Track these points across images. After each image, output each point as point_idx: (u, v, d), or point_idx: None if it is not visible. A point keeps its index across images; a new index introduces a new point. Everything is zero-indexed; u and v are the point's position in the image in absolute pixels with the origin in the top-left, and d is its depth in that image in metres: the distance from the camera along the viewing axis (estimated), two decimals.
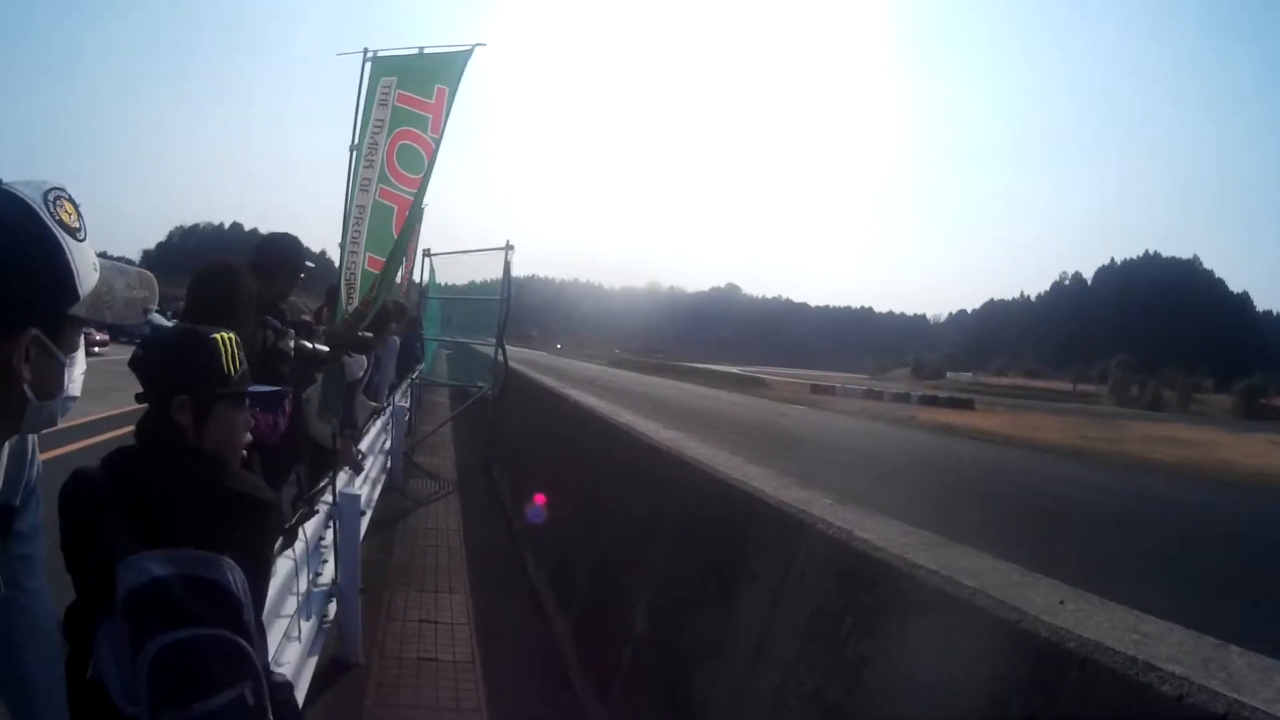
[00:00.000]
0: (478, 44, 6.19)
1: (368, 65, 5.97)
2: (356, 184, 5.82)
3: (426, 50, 6.24)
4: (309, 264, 4.84)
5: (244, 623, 1.70)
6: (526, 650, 5.60)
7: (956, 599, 2.14)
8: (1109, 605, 2.03)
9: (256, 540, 1.95)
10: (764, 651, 2.93)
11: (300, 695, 3.77)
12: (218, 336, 1.95)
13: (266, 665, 1.86)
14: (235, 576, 1.72)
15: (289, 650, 3.65)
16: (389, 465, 10.03)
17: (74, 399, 1.45)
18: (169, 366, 1.75)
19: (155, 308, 1.58)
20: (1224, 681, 1.57)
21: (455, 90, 6.28)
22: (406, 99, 6.08)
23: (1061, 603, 2.02)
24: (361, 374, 5.90)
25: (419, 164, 6.33)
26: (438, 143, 6.11)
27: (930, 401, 61.35)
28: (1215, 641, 1.79)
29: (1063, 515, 15.82)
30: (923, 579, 2.29)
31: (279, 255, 4.31)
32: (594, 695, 4.59)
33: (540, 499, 4.17)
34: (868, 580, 2.49)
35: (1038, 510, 16.35)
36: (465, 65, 6.34)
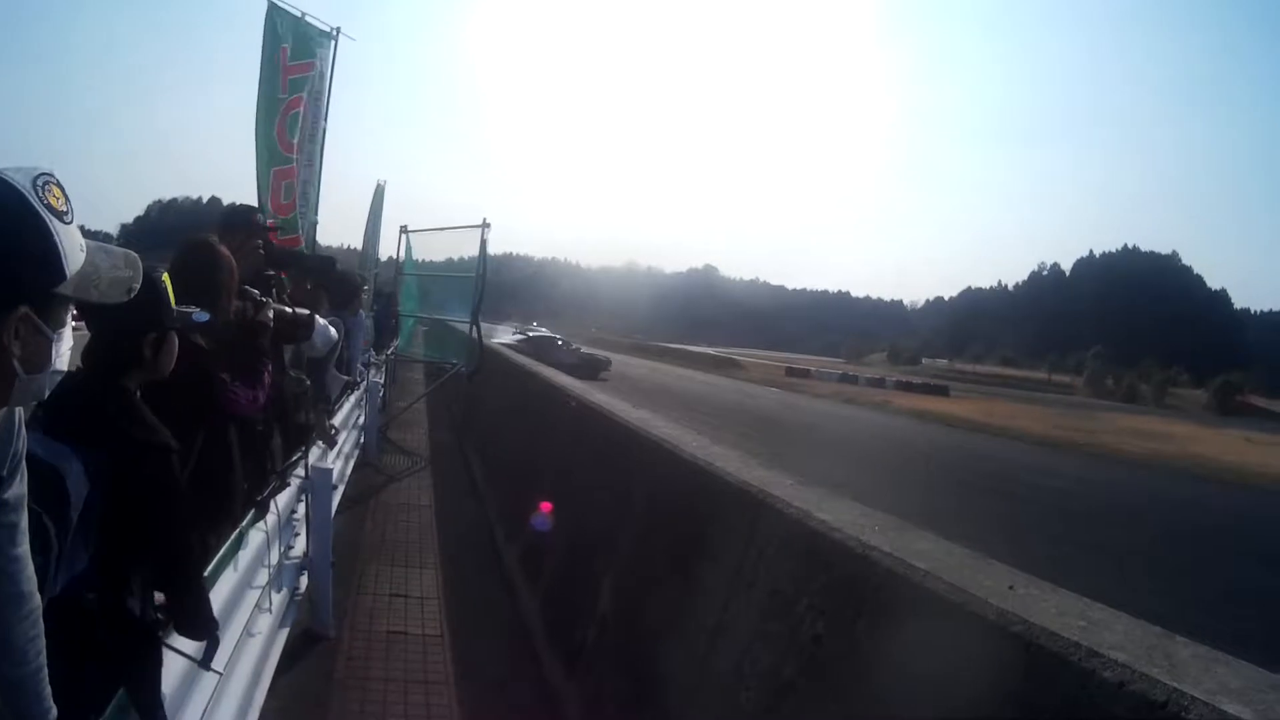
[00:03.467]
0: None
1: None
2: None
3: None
4: (270, 227, 4.88)
5: (65, 514, 1.82)
6: (495, 625, 5.66)
7: (908, 581, 2.19)
8: (1059, 591, 2.07)
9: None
10: (723, 630, 2.99)
11: (271, 667, 3.82)
12: (163, 276, 2.25)
13: (92, 575, 1.96)
14: (76, 472, 1.86)
15: (260, 621, 3.68)
16: (362, 440, 10.04)
17: (61, 373, 1.51)
18: (133, 308, 1.84)
19: (139, 286, 1.64)
20: (1166, 670, 1.61)
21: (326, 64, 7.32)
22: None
23: (1011, 587, 2.06)
24: (333, 348, 5.91)
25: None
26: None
27: (905, 387, 61.23)
28: (1161, 631, 1.83)
29: (1033, 502, 16.04)
30: (876, 560, 2.33)
31: (242, 226, 4.36)
32: (561, 670, 4.65)
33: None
34: (824, 561, 2.54)
35: (1006, 496, 16.56)
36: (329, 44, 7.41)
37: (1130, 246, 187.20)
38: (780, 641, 2.63)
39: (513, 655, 5.18)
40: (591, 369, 39.18)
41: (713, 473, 3.48)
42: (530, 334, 46.00)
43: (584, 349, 47.14)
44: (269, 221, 5.39)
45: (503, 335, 40.92)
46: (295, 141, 8.06)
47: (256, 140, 7.89)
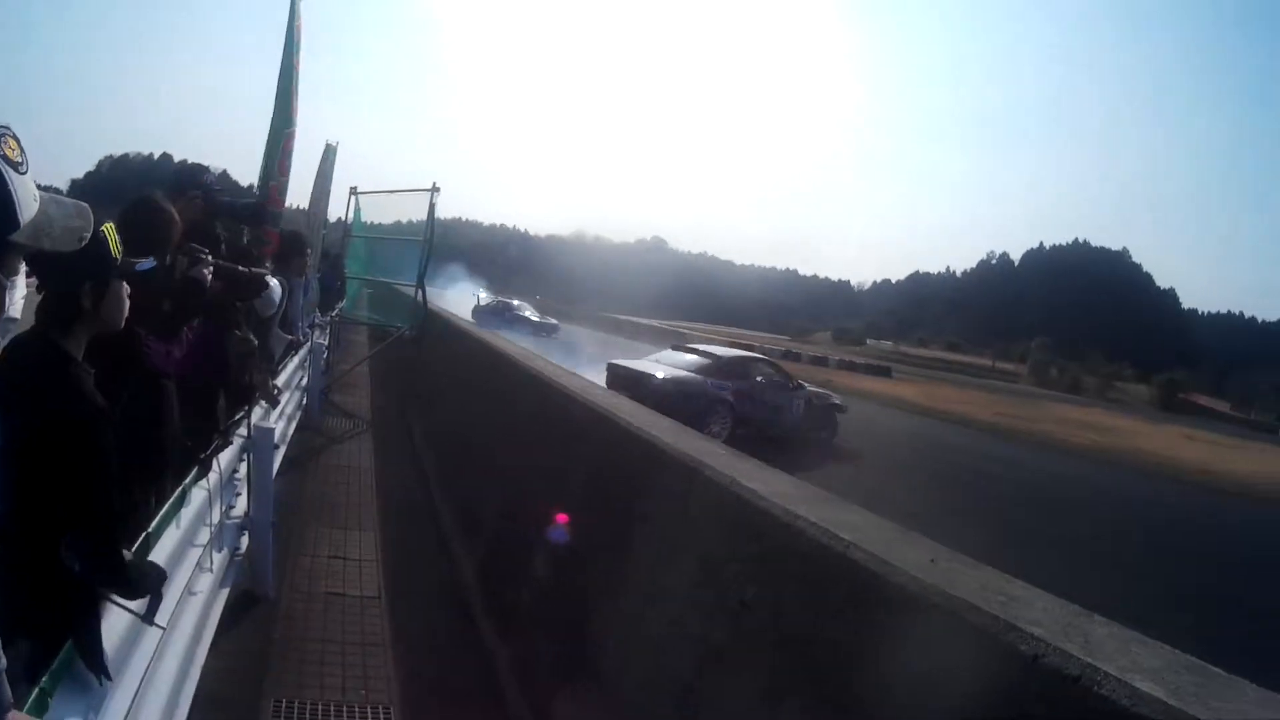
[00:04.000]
0: None
1: None
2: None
3: None
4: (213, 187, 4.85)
5: None
6: (432, 587, 5.72)
7: (831, 550, 2.25)
8: (981, 567, 2.14)
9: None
10: (656, 595, 3.09)
11: (212, 626, 3.83)
12: (105, 227, 2.22)
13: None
14: None
15: (202, 580, 3.69)
16: (304, 402, 9.99)
17: (14, 320, 1.54)
18: (75, 256, 1.85)
19: (88, 237, 1.66)
20: (1081, 646, 1.66)
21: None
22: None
23: (933, 561, 2.12)
24: (276, 308, 5.88)
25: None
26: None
27: (849, 367, 61.21)
28: (1079, 610, 1.89)
29: (972, 486, 16.35)
30: (801, 529, 2.40)
31: (191, 186, 4.36)
32: (496, 632, 4.74)
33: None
34: (753, 530, 2.61)
35: (944, 479, 16.86)
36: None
37: (1081, 241, 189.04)
38: (709, 607, 2.71)
39: (449, 617, 5.24)
40: (548, 333, 42.20)
41: (650, 441, 3.54)
42: (494, 299, 47.09)
43: (545, 317, 47.44)
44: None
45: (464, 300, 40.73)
46: (296, 104, 7.88)
47: (277, 102, 7.68)
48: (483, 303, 44.01)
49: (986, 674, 1.74)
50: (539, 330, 42.09)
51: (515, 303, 48.02)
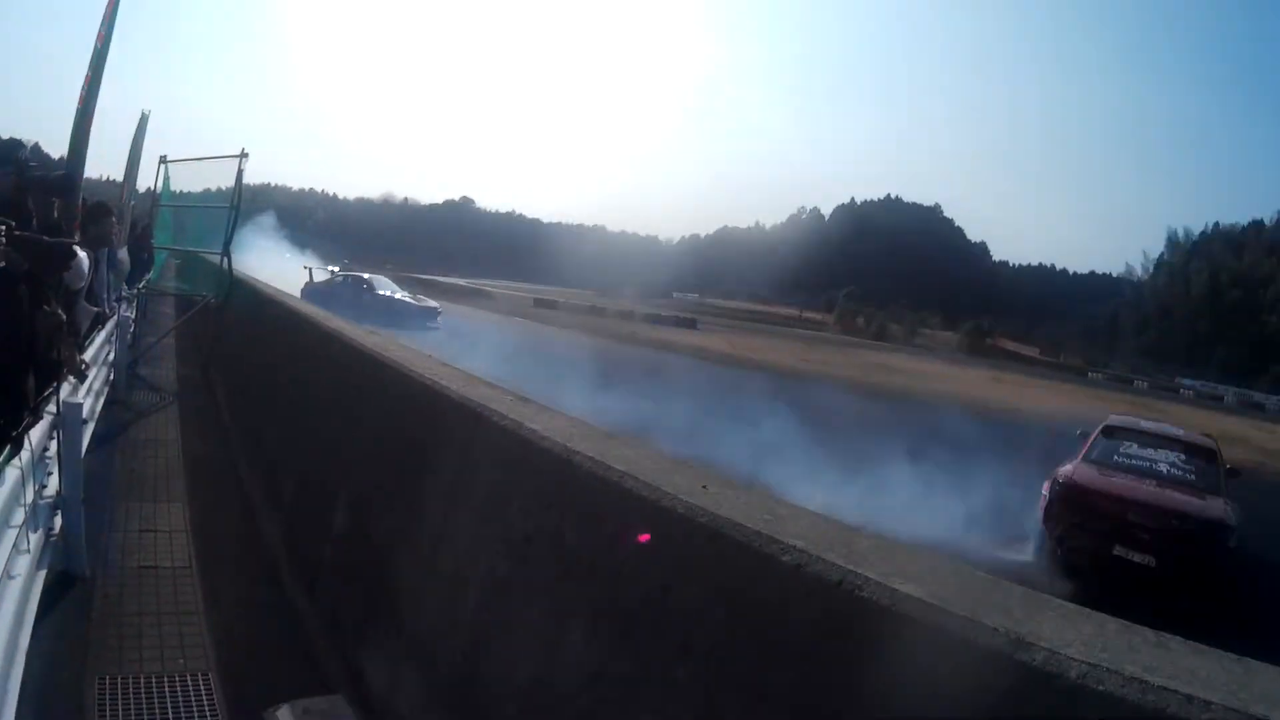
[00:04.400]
0: None
1: None
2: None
3: None
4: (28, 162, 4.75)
5: None
6: (241, 554, 5.85)
7: (607, 480, 2.42)
8: (751, 491, 2.29)
9: None
10: (445, 536, 3.27)
11: (32, 609, 3.84)
12: None
13: None
14: None
15: (20, 563, 3.69)
16: (112, 377, 9.69)
17: None
18: None
19: None
20: (843, 555, 1.79)
21: None
22: None
23: (704, 487, 2.26)
24: (84, 280, 5.77)
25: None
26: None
27: (654, 319, 61.41)
28: (846, 526, 2.05)
29: (767, 428, 16.96)
30: (579, 464, 2.56)
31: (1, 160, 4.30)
32: (302, 591, 4.86)
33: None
34: (532, 467, 2.78)
35: (739, 421, 17.46)
36: None
37: (893, 197, 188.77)
38: (495, 543, 2.89)
39: (259, 581, 5.40)
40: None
41: (438, 390, 3.68)
42: (336, 273, 36.72)
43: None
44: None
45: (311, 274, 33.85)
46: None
47: (95, 67, 7.28)
48: (318, 278, 33.93)
49: (751, 583, 1.90)
50: (424, 319, 31.55)
51: (368, 277, 35.21)
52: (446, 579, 3.18)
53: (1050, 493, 10.47)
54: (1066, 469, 10.74)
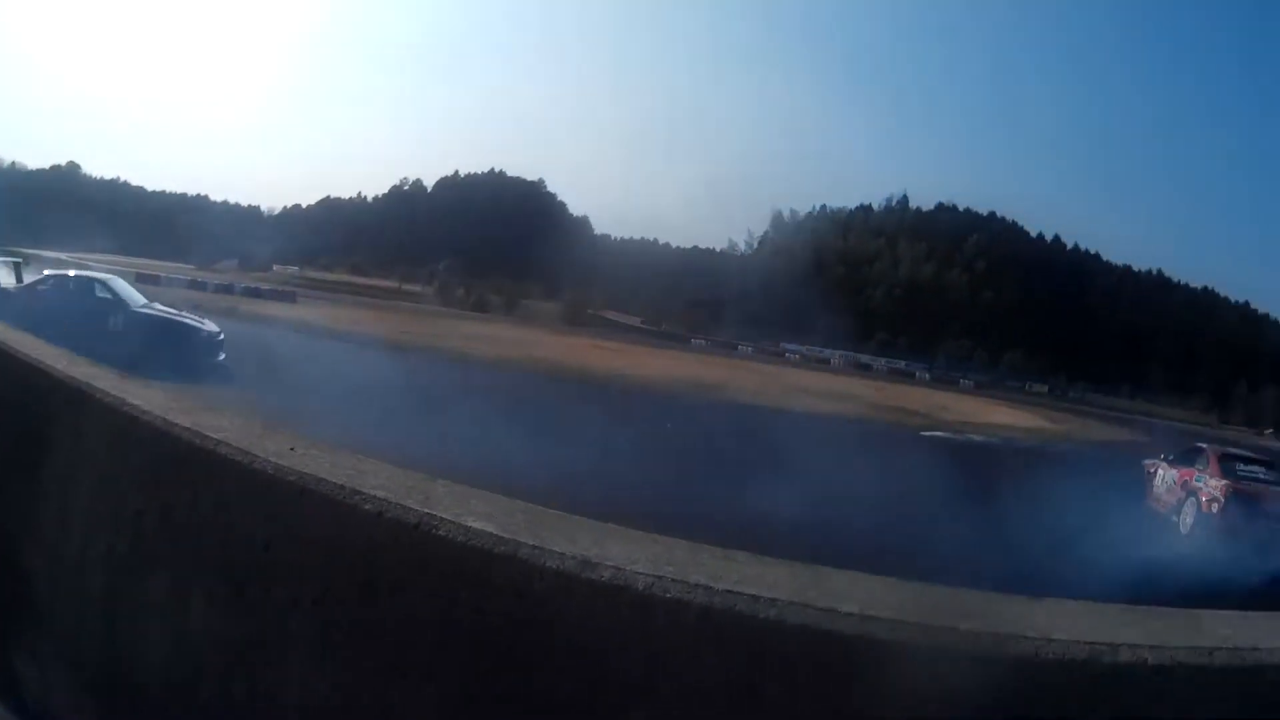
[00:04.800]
0: None
1: None
2: None
3: None
4: None
5: None
6: None
7: (204, 449, 2.49)
8: (338, 452, 2.44)
9: None
10: (65, 518, 3.15)
11: None
12: None
13: None
14: None
15: None
16: None
17: None
18: None
19: None
20: (421, 501, 1.98)
21: None
22: None
23: (292, 449, 2.39)
24: None
25: None
26: None
27: (254, 294, 60.91)
28: (424, 477, 2.25)
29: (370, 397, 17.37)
30: (177, 435, 2.59)
31: None
32: None
33: None
34: (137, 440, 2.77)
35: (343, 390, 18.15)
36: None
37: (497, 170, 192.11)
38: (112, 520, 2.85)
39: None
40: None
41: (43, 370, 3.56)
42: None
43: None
44: None
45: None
46: None
47: None
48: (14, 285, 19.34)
49: (341, 532, 2.07)
50: (209, 352, 19.27)
51: (104, 279, 20.48)
52: (73, 564, 3.05)
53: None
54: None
